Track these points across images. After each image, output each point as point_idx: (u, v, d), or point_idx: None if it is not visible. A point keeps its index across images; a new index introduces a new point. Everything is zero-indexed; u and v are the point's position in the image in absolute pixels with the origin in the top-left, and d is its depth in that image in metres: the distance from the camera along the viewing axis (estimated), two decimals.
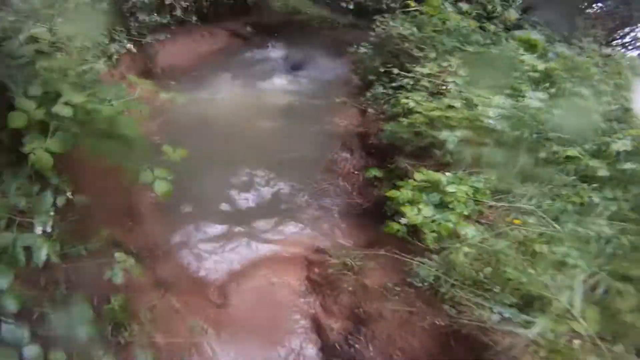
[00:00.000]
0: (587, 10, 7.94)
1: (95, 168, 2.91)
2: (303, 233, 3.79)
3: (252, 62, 7.62)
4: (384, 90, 4.52)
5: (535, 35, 5.02)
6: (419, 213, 2.67)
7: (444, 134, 3.00)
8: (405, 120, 3.41)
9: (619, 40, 7.92)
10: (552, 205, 2.77)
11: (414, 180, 2.89)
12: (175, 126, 4.81)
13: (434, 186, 2.86)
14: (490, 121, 3.07)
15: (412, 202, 2.82)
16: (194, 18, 6.64)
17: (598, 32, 6.17)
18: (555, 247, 2.37)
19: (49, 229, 2.24)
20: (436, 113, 3.10)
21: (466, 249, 2.42)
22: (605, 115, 3.38)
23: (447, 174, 2.81)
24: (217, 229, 3.72)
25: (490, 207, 2.90)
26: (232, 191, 4.16)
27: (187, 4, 6.67)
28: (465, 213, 2.75)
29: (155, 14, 5.87)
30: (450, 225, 2.64)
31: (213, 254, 3.50)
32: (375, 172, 3.68)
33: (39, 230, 2.20)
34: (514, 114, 3.01)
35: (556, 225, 2.55)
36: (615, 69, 4.31)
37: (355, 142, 4.43)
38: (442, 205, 2.81)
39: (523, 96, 3.56)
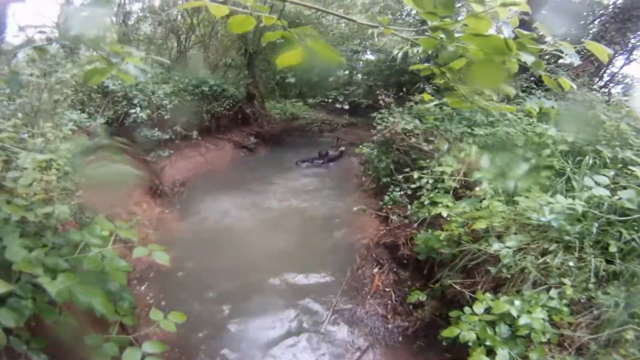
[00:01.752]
0: (561, 60, 8.07)
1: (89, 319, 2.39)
2: None
3: (260, 173, 7.52)
4: (402, 192, 4.20)
5: (547, 104, 4.81)
6: None
7: (495, 247, 2.55)
8: (441, 233, 2.98)
9: (602, 82, 7.91)
10: None
11: (473, 312, 2.37)
12: (189, 253, 4.36)
13: (499, 316, 2.34)
14: (544, 219, 2.64)
15: (477, 340, 2.29)
16: (195, 133, 6.60)
17: (585, 80, 6.10)
18: None
19: None
20: (482, 224, 2.68)
21: None
22: None
23: (516, 302, 2.28)
24: None
25: (571, 324, 2.35)
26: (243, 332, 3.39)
27: (187, 118, 6.63)
28: (543, 340, 2.23)
29: (157, 130, 5.77)
30: None
31: None
32: (418, 296, 3.13)
33: None
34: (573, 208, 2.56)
35: None
36: (630, 113, 3.97)
37: (383, 254, 3.95)
38: (514, 337, 2.30)
39: (563, 174, 3.22)
